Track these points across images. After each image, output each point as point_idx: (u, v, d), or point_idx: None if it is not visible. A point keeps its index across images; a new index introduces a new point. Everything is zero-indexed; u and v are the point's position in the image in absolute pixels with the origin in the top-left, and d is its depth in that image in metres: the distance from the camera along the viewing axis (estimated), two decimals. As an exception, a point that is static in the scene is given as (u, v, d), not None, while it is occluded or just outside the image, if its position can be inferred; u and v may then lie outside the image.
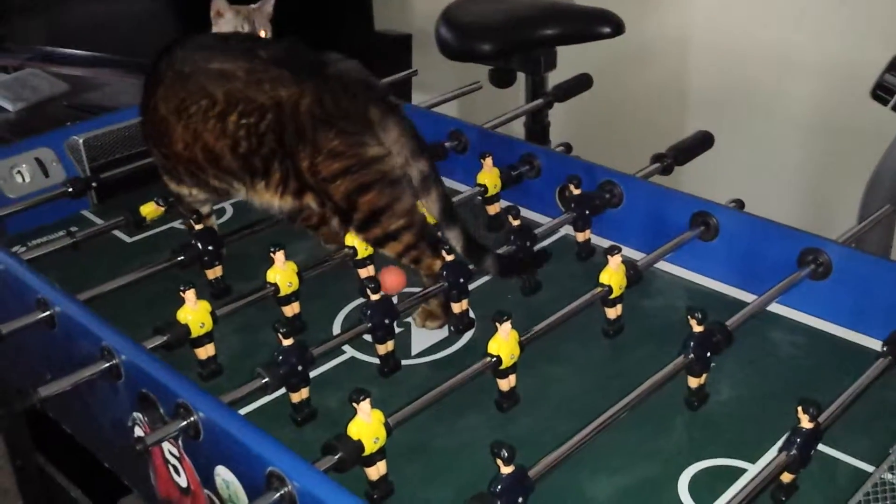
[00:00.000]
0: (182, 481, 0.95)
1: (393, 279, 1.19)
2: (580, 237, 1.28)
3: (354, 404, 0.85)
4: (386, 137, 1.09)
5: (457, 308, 1.13)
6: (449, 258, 1.11)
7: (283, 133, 1.09)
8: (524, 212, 1.33)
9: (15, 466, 1.49)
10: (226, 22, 1.38)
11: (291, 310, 1.13)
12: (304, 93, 1.08)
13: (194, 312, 1.03)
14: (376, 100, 1.09)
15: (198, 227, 1.22)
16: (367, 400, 0.85)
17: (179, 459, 0.94)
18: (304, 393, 0.99)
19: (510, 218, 1.20)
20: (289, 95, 1.08)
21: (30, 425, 1.45)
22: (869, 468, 0.92)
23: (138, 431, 0.98)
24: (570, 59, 1.96)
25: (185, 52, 1.15)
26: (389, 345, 1.07)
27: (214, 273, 1.22)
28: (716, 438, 0.98)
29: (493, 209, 1.38)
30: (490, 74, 1.98)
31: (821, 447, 0.92)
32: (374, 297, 1.04)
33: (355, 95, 1.09)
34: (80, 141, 1.46)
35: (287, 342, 0.96)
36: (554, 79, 1.81)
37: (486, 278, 1.23)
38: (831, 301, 1.13)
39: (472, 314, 1.16)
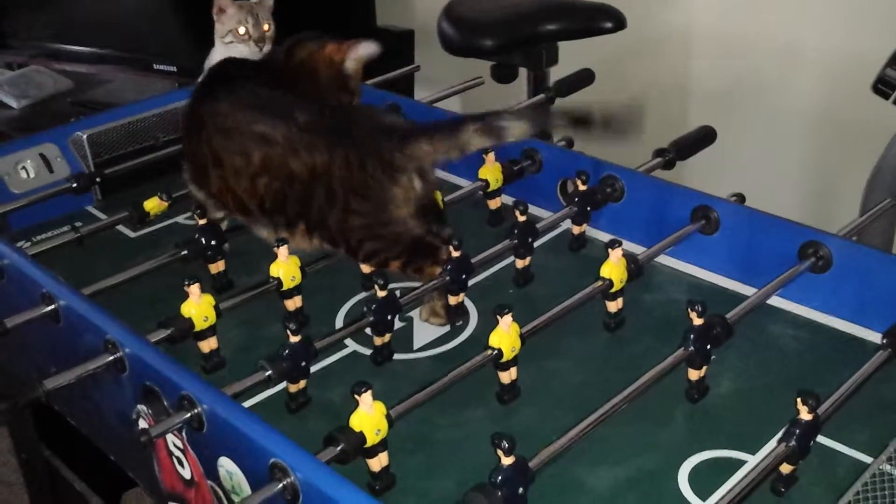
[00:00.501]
0: (186, 473, 0.96)
1: None
2: (576, 230, 1.29)
3: (356, 396, 0.86)
4: (414, 164, 1.11)
5: (453, 300, 1.14)
6: (456, 254, 1.12)
7: (311, 198, 1.12)
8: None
9: (20, 460, 1.50)
10: (228, 17, 1.39)
11: (294, 304, 1.14)
12: (335, 160, 1.10)
13: (198, 306, 1.04)
14: (398, 148, 1.10)
15: (202, 221, 1.23)
16: (369, 392, 0.86)
17: (183, 451, 0.94)
18: (301, 384, 1.01)
19: (517, 213, 1.20)
20: (322, 163, 1.11)
21: (35, 419, 1.46)
22: (868, 460, 0.93)
23: (143, 424, 0.99)
24: (572, 54, 1.97)
25: (228, 105, 1.18)
26: (386, 337, 1.08)
27: (217, 267, 1.22)
28: (716, 430, 0.98)
29: (494, 203, 1.38)
30: (492, 70, 1.99)
31: (821, 439, 0.93)
32: (381, 294, 1.05)
33: (380, 152, 1.10)
34: (84, 136, 1.47)
35: (294, 339, 0.97)
36: (556, 73, 1.81)
37: (487, 273, 1.24)
38: (832, 294, 1.13)
39: (469, 307, 1.17)
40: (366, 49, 1.28)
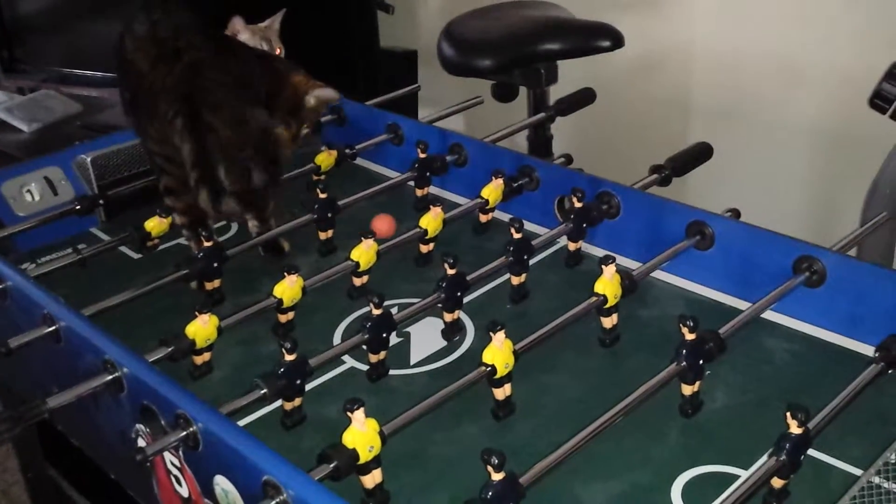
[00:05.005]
0: (184, 491, 0.97)
1: (383, 225, 1.35)
2: (572, 246, 1.30)
3: (349, 413, 0.86)
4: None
5: (448, 317, 1.15)
6: (451, 272, 1.13)
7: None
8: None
9: (27, 478, 1.51)
10: (244, 41, 1.41)
11: (286, 317, 1.17)
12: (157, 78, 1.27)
13: (204, 329, 1.07)
14: (183, 113, 1.25)
15: (207, 244, 1.24)
16: (361, 409, 0.87)
17: (181, 470, 0.95)
18: (297, 401, 1.02)
19: (513, 230, 1.21)
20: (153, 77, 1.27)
21: (41, 439, 1.47)
22: (861, 473, 0.93)
23: (142, 443, 1.00)
24: (572, 72, 1.98)
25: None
26: (382, 354, 1.09)
27: (212, 285, 1.25)
28: (710, 445, 0.99)
29: (484, 218, 1.40)
30: (492, 89, 2.00)
31: (814, 453, 0.93)
32: (376, 312, 1.06)
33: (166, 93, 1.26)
34: (88, 159, 1.49)
35: (290, 357, 0.98)
36: (557, 91, 1.82)
37: (485, 288, 1.25)
38: (826, 308, 1.14)
39: (466, 323, 1.18)
40: (328, 94, 1.39)
